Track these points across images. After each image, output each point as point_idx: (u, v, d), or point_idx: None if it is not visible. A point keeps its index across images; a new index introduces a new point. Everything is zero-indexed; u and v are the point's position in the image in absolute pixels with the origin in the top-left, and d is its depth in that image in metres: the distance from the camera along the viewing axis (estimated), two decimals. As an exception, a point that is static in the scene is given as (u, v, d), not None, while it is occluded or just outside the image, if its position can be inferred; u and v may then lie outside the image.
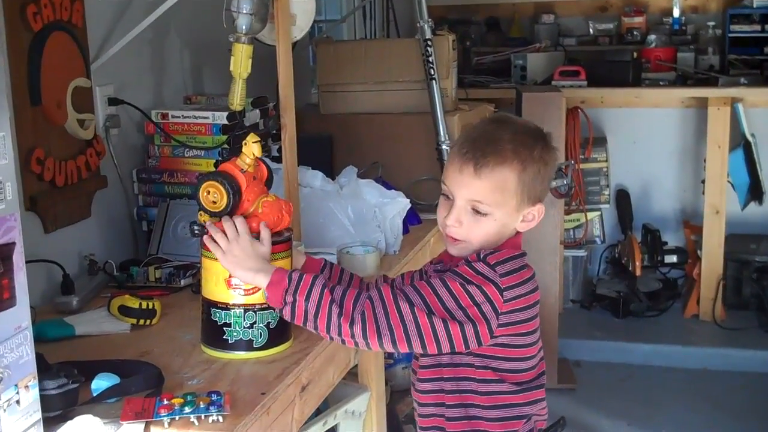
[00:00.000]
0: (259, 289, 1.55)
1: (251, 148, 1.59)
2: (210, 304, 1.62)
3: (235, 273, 1.55)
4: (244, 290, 1.58)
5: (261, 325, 1.60)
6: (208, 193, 1.58)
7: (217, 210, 1.58)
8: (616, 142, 4.77)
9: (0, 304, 1.15)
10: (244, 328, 1.60)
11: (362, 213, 2.26)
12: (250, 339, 1.61)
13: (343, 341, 1.50)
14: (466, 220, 1.57)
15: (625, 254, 4.54)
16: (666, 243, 4.57)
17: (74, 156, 2.12)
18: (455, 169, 1.57)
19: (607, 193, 4.75)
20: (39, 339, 1.27)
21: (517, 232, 1.62)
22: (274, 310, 1.55)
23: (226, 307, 1.60)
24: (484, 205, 1.55)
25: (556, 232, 3.79)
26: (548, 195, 3.06)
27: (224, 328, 1.61)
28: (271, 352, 1.63)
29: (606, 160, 4.73)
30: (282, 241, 1.62)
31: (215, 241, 1.55)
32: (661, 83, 4.37)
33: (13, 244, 1.18)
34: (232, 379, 1.53)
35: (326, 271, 1.76)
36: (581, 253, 4.60)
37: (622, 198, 4.78)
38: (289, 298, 1.49)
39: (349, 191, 2.31)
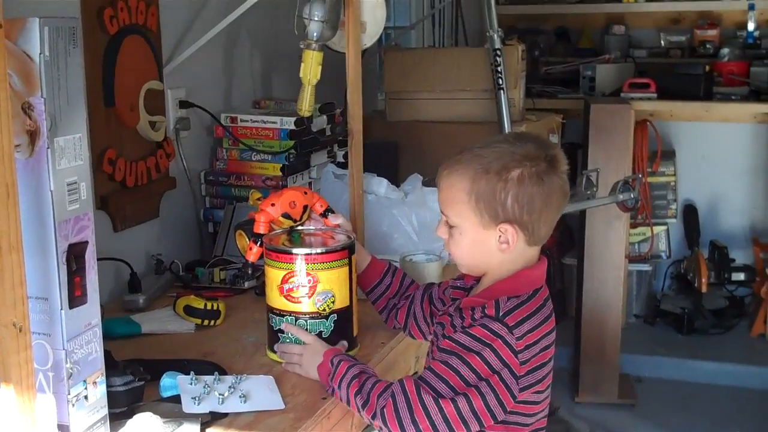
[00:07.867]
0: (306, 297, 1.60)
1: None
2: (269, 309, 1.65)
3: (309, 375, 1.57)
4: (293, 297, 1.60)
5: (312, 333, 1.61)
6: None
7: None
8: (685, 157, 4.69)
9: (72, 302, 1.18)
10: None
11: (426, 221, 2.26)
12: None
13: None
14: (445, 234, 1.51)
15: (691, 270, 4.46)
16: (734, 260, 4.47)
17: (145, 157, 2.16)
18: None
19: (674, 207, 4.67)
20: (106, 336, 1.30)
21: (539, 262, 1.51)
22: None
23: (279, 313, 1.62)
24: (449, 217, 1.49)
25: (621, 245, 3.75)
26: (614, 207, 3.07)
27: (279, 334, 1.63)
28: None
29: (674, 174, 4.65)
30: (336, 250, 1.62)
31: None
32: (732, 98, 4.28)
33: (86, 243, 1.21)
34: (294, 383, 1.55)
35: (382, 299, 1.76)
36: (646, 267, 4.52)
37: (690, 213, 4.70)
38: (333, 383, 1.49)
39: (413, 199, 2.32)
